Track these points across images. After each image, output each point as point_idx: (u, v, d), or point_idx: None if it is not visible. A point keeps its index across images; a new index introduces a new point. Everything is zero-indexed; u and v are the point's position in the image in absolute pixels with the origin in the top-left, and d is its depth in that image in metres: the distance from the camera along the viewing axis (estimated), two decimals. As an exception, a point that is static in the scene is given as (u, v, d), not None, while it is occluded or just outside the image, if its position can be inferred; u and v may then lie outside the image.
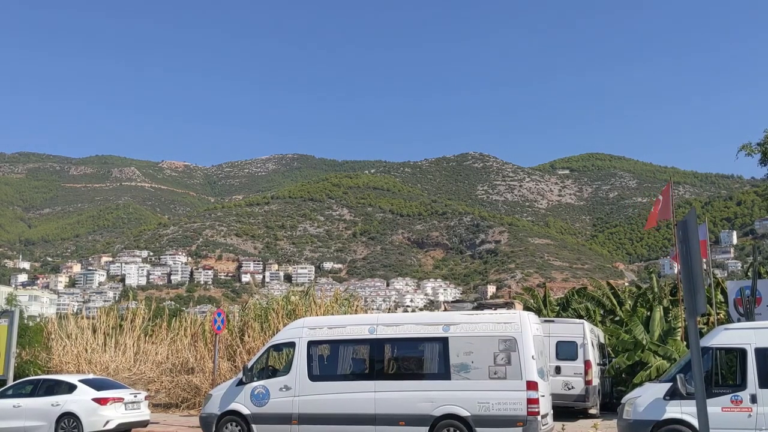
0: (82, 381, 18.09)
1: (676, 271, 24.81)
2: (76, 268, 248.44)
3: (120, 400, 17.54)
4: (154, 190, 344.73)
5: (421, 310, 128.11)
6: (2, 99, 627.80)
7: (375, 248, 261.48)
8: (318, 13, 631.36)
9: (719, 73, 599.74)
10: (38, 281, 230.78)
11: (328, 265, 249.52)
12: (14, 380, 21.07)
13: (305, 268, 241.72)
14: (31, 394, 17.95)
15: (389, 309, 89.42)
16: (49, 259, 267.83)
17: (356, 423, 14.40)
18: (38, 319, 48.04)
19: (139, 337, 28.52)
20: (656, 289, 28.11)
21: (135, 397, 18.10)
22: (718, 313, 23.50)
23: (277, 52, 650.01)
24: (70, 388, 17.72)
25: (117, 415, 17.32)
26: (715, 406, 11.65)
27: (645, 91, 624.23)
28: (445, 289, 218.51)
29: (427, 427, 13.83)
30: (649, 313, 23.04)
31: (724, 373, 13.02)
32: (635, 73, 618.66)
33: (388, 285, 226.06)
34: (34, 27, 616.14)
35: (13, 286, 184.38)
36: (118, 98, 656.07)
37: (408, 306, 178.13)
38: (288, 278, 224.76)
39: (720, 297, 25.28)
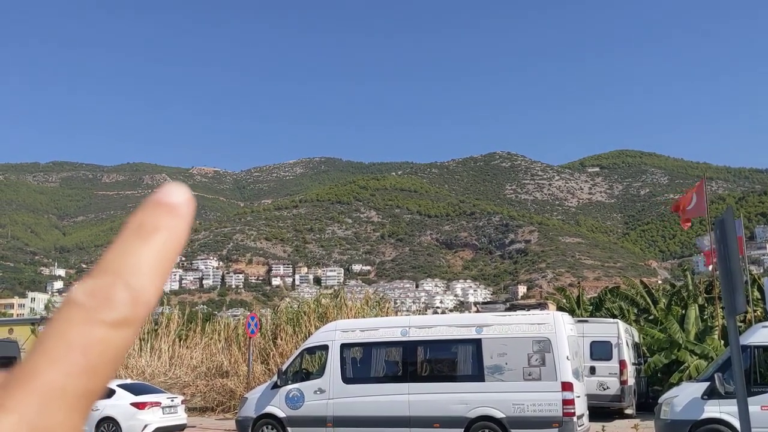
0: (120, 386, 18.38)
1: (710, 268, 24.45)
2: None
3: (158, 404, 17.79)
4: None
5: (450, 311, 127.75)
6: (36, 109, 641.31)
7: (403, 250, 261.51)
8: (342, 15, 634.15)
9: (751, 67, 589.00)
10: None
11: (357, 268, 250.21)
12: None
13: (334, 270, 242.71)
14: (71, 399, 18.26)
15: (419, 311, 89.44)
16: (84, 266, 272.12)
17: (391, 425, 14.44)
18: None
19: (174, 342, 28.89)
20: (691, 287, 27.67)
21: (172, 401, 18.34)
22: (754, 311, 23.11)
23: (303, 55, 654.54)
24: (109, 392, 17.99)
25: (155, 419, 17.56)
26: (754, 405, 11.46)
27: (674, 87, 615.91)
28: (474, 290, 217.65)
29: (462, 429, 13.83)
30: (684, 312, 22.77)
31: (763, 371, 12.83)
32: (664, 68, 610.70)
33: (417, 286, 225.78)
34: (66, 37, 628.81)
35: (50, 293, 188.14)
36: (148, 105, 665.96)
37: (438, 307, 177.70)
38: (317, 281, 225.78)
39: (756, 294, 24.82)
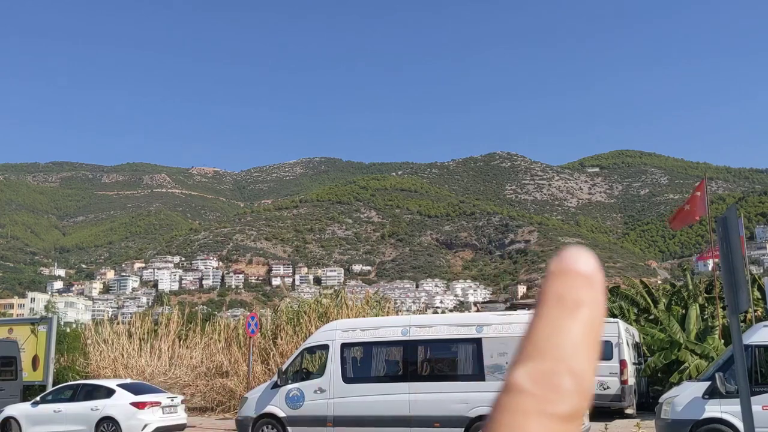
0: (120, 385, 18.38)
1: (710, 268, 24.42)
2: (110, 274, 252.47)
3: (158, 404, 17.78)
4: (185, 196, 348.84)
5: (451, 311, 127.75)
6: (36, 109, 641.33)
7: (404, 250, 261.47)
8: (339, 15, 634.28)
9: (752, 67, 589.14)
10: (73, 288, 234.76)
11: (357, 268, 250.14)
12: (53, 385, 21.53)
13: (334, 270, 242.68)
14: (71, 399, 18.30)
15: (419, 311, 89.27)
16: (84, 266, 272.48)
17: (391, 425, 14.41)
18: (74, 325, 48.93)
19: (174, 342, 28.85)
20: (691, 287, 27.63)
21: (172, 401, 18.33)
22: (755, 311, 23.07)
23: (304, 56, 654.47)
24: (109, 392, 18.01)
25: (155, 419, 17.56)
26: (755, 405, 11.43)
27: (675, 88, 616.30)
28: (474, 290, 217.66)
29: (463, 429, 13.81)
30: (684, 311, 22.74)
31: (764, 371, 12.82)
32: (665, 70, 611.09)
33: (417, 286, 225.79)
34: (66, 38, 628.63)
35: (49, 293, 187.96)
36: (148, 105, 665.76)
37: (438, 307, 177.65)
38: (317, 281, 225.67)
39: (757, 294, 24.79)
